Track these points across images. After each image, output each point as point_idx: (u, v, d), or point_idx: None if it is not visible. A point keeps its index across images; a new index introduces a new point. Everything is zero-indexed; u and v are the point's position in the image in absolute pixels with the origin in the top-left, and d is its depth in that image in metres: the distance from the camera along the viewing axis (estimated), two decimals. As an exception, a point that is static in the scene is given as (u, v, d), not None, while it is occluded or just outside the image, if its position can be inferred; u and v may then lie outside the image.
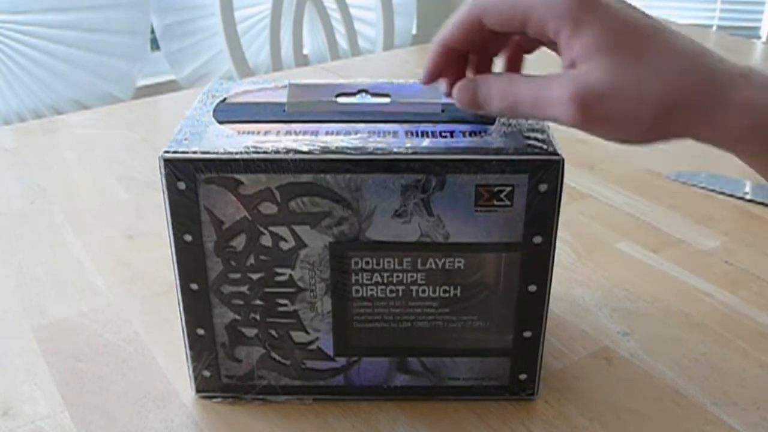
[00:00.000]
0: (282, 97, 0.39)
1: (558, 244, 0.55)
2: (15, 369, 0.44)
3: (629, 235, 0.56)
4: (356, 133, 0.36)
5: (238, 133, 0.36)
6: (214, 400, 0.41)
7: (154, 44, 1.84)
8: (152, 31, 1.81)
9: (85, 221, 0.60)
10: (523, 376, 0.40)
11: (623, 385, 0.41)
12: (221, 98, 0.41)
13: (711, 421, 0.39)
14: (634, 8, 0.33)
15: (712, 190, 0.62)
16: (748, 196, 0.61)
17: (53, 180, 0.67)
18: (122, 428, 0.39)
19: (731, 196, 0.61)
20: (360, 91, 0.40)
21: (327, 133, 0.36)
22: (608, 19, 0.32)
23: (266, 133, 0.36)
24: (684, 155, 0.69)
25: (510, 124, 0.37)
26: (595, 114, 0.31)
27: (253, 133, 0.36)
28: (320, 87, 0.40)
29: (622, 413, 0.39)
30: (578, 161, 0.67)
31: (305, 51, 1.80)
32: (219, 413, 0.40)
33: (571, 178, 0.64)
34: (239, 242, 0.37)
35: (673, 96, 0.31)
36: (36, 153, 0.73)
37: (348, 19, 1.67)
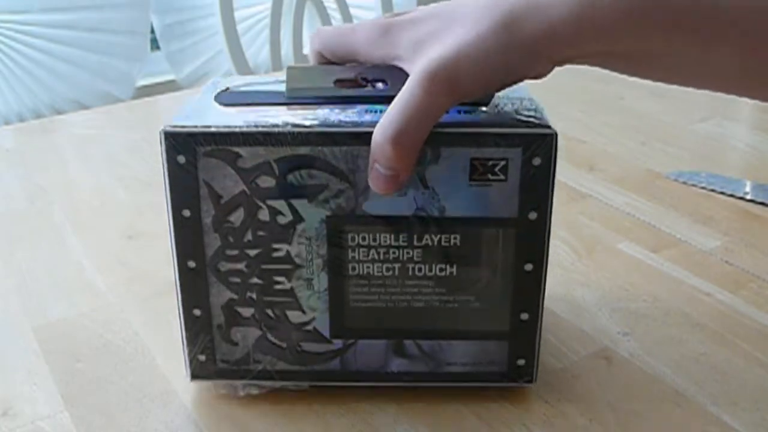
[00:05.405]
0: (283, 88, 0.40)
1: (558, 243, 0.55)
2: (15, 369, 0.44)
3: (629, 235, 0.56)
4: (353, 111, 0.37)
5: (240, 112, 0.37)
6: (218, 406, 0.41)
7: (154, 44, 1.84)
8: (152, 31, 1.81)
9: (85, 221, 0.60)
10: (521, 362, 0.40)
11: (623, 385, 0.41)
12: (224, 88, 0.41)
13: (711, 421, 0.39)
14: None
15: (712, 190, 0.62)
16: (748, 196, 0.61)
17: (53, 180, 0.67)
18: (122, 428, 0.39)
19: (731, 196, 0.61)
20: (358, 77, 0.41)
21: (325, 107, 0.37)
22: (412, 28, 0.36)
23: (266, 112, 0.37)
24: (684, 155, 0.69)
25: (505, 105, 0.38)
26: (444, 81, 0.33)
27: (253, 112, 0.37)
28: (319, 72, 0.40)
29: (622, 413, 0.39)
30: (578, 161, 0.67)
31: (305, 51, 1.80)
32: (219, 413, 0.40)
33: (571, 178, 0.64)
34: (237, 217, 0.37)
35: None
36: (36, 153, 0.73)
37: (348, 19, 1.67)
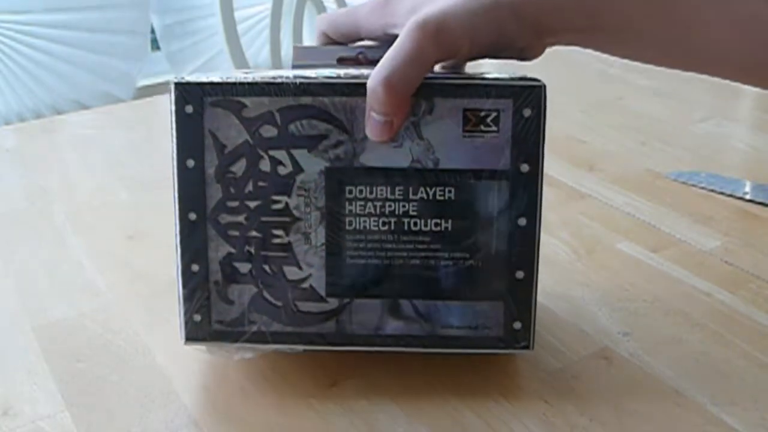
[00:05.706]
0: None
1: (558, 243, 0.55)
2: (15, 369, 0.44)
3: (629, 235, 0.56)
4: (354, 70, 0.40)
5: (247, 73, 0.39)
6: (218, 406, 0.41)
7: (154, 44, 1.84)
8: (152, 31, 1.81)
9: (85, 221, 0.60)
10: (517, 325, 0.40)
11: (623, 385, 0.41)
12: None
13: (711, 421, 0.39)
14: None
15: (712, 190, 0.62)
16: (748, 196, 0.61)
17: (53, 180, 0.67)
18: (122, 428, 0.39)
19: (731, 196, 0.61)
20: (359, 54, 0.43)
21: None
22: None
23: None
24: (684, 155, 0.69)
25: (498, 75, 0.39)
26: (432, 30, 0.35)
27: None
28: (323, 51, 0.43)
29: (622, 413, 0.39)
30: (578, 161, 0.67)
31: (305, 51, 1.80)
32: (219, 413, 0.40)
33: (571, 178, 0.64)
34: (239, 167, 0.38)
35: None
36: (36, 153, 0.73)
37: (348, 19, 1.66)
